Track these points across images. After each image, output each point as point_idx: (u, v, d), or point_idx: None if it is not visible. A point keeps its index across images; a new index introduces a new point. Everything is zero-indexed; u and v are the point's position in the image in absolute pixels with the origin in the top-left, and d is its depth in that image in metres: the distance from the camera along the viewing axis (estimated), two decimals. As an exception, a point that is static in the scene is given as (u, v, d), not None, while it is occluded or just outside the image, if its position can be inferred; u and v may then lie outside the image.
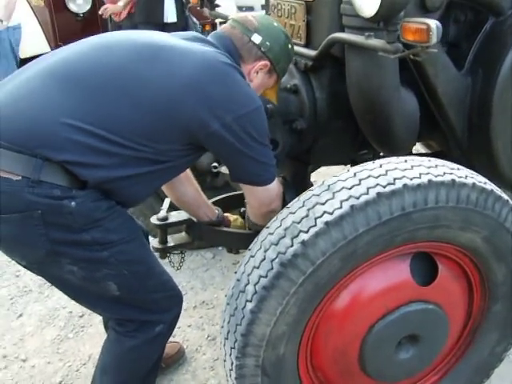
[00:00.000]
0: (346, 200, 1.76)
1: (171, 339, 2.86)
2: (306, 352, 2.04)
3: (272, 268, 1.78)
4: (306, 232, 1.76)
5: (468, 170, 1.96)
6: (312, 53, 2.48)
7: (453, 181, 1.83)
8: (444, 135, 2.69)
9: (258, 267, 1.83)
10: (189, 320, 3.22)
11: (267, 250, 1.82)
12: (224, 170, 2.83)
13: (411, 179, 1.80)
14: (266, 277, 1.79)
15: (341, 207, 1.75)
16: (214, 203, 2.74)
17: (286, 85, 2.58)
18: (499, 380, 2.57)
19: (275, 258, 1.78)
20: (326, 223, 1.74)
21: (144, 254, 2.10)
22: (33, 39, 6.68)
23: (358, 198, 1.76)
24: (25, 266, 2.03)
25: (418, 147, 3.87)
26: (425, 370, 2.29)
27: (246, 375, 1.94)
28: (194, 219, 2.60)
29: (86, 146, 1.80)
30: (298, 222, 1.79)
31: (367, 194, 1.76)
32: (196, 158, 2.18)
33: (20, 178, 1.77)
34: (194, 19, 6.60)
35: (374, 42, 2.04)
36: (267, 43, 2.14)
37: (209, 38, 2.15)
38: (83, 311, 3.24)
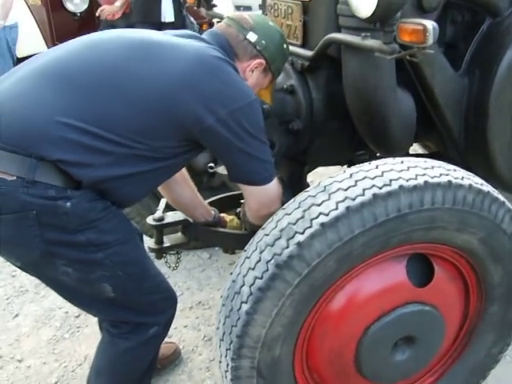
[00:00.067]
0: (342, 201, 1.76)
1: (167, 340, 2.85)
2: (301, 353, 2.03)
3: (267, 269, 1.78)
4: (302, 233, 1.75)
5: (464, 171, 1.96)
6: (308, 53, 2.48)
7: (449, 182, 1.83)
8: (441, 136, 2.68)
9: (253, 268, 1.83)
10: (185, 320, 3.22)
11: (263, 252, 1.82)
12: (220, 170, 2.83)
13: (407, 180, 1.79)
14: (261, 278, 1.78)
15: (336, 208, 1.75)
16: (211, 204, 2.73)
17: (283, 85, 2.58)
18: (496, 381, 2.56)
19: (271, 260, 1.78)
20: (322, 224, 1.74)
21: (139, 255, 2.09)
22: (30, 38, 6.67)
23: (353, 200, 1.75)
24: (20, 267, 2.02)
25: (416, 147, 3.87)
26: (421, 372, 2.29)
27: (241, 377, 1.93)
28: (190, 220, 2.59)
29: (79, 145, 1.79)
30: (294, 224, 1.79)
31: (363, 195, 1.76)
32: (192, 157, 2.17)
33: (15, 178, 1.76)
34: (192, 19, 6.59)
35: (371, 42, 2.04)
36: (263, 42, 2.13)
37: (204, 35, 2.14)
38: (79, 311, 3.22)
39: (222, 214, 2.71)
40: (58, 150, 1.77)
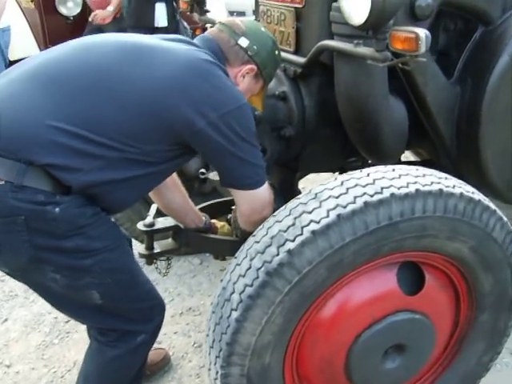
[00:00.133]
0: (333, 209, 1.75)
1: (157, 346, 2.84)
2: (291, 361, 2.03)
3: (258, 277, 1.77)
4: (293, 241, 1.75)
5: (456, 179, 1.96)
6: (301, 60, 2.48)
7: (440, 190, 1.83)
8: (433, 144, 2.68)
9: (243, 276, 1.82)
10: (175, 327, 3.20)
11: (253, 259, 1.81)
12: (212, 176, 2.82)
13: (398, 188, 1.79)
14: (251, 286, 1.78)
15: (327, 216, 1.74)
16: (201, 209, 2.72)
17: (275, 92, 2.57)
18: (486, 390, 2.56)
19: (261, 267, 1.77)
20: (313, 232, 1.73)
21: (128, 262, 2.08)
22: (22, 41, 6.65)
23: (344, 207, 1.75)
24: (8, 273, 2.01)
25: (408, 154, 3.87)
26: (411, 380, 2.28)
27: (231, 384, 1.92)
28: (181, 226, 2.58)
29: (70, 149, 1.78)
30: (285, 231, 1.78)
31: (354, 203, 1.76)
32: (183, 162, 2.17)
33: (3, 182, 1.75)
34: (185, 24, 6.60)
35: (363, 50, 2.03)
36: (254, 47, 2.13)
37: (195, 40, 2.14)
38: (69, 317, 3.21)
39: (213, 220, 2.70)
40: (48, 154, 1.76)
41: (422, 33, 1.81)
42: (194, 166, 3.04)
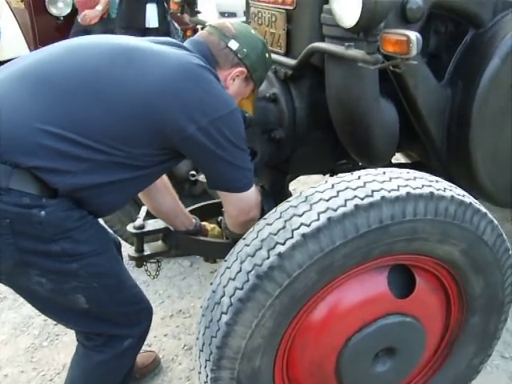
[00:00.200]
0: (324, 212, 1.75)
1: (147, 348, 2.84)
2: (282, 365, 2.02)
3: (248, 280, 1.76)
4: (283, 244, 1.74)
5: (447, 182, 1.96)
6: (292, 62, 2.47)
7: (431, 193, 1.82)
8: (423, 146, 2.69)
9: (233, 279, 1.81)
10: (165, 329, 3.19)
11: (243, 262, 1.80)
12: (202, 178, 2.81)
13: (389, 191, 1.79)
14: (241, 289, 1.77)
15: (318, 219, 1.74)
16: (192, 212, 2.71)
17: (266, 94, 2.57)
18: (476, 392, 2.56)
19: (251, 270, 1.76)
20: (303, 235, 1.72)
21: (115, 266, 2.06)
22: (12, 42, 6.63)
23: (335, 210, 1.74)
24: None
25: (398, 156, 3.87)
26: (402, 383, 2.27)
27: (221, 388, 1.91)
28: (171, 228, 2.57)
29: (56, 151, 1.76)
30: (275, 234, 1.77)
31: (345, 206, 1.75)
32: (171, 166, 2.16)
33: None
34: (176, 25, 6.60)
35: (354, 52, 2.03)
36: (244, 50, 2.12)
37: (185, 43, 2.13)
38: (58, 319, 3.19)
39: (203, 223, 2.69)
40: (34, 157, 1.74)
41: (413, 36, 1.80)
42: (185, 168, 3.03)
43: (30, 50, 6.63)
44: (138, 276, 3.28)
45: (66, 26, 6.71)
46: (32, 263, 1.84)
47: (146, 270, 2.69)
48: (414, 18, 2.25)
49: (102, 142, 1.81)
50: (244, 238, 1.89)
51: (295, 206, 1.82)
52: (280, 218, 1.82)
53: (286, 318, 1.85)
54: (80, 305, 1.97)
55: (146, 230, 2.54)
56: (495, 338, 2.29)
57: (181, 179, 3.15)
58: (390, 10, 1.93)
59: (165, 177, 2.39)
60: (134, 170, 1.92)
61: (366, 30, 1.94)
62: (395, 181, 1.84)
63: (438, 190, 1.85)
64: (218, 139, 1.91)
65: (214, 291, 1.89)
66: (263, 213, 2.23)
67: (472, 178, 2.59)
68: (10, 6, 6.83)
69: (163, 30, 6.38)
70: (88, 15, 6.26)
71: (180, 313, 3.34)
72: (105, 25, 6.31)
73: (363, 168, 2.39)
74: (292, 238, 1.74)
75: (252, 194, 2.10)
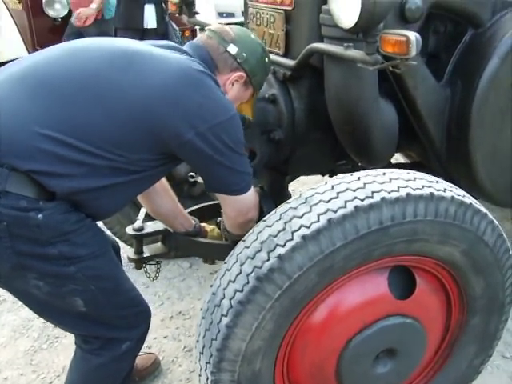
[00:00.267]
0: (324, 213, 1.74)
1: (146, 350, 2.83)
2: (282, 367, 2.02)
3: (248, 282, 1.75)
4: (283, 246, 1.73)
5: (447, 183, 1.95)
6: (291, 62, 2.46)
7: (431, 194, 1.82)
8: (423, 146, 2.68)
9: (233, 281, 1.80)
10: (165, 331, 3.18)
11: (243, 264, 1.80)
12: (201, 179, 2.80)
13: (389, 193, 1.78)
14: (241, 291, 1.76)
15: (318, 221, 1.73)
16: (191, 213, 2.70)
17: (265, 94, 2.56)
18: (477, 392, 2.56)
19: (251, 272, 1.76)
20: (303, 237, 1.72)
21: (113, 269, 2.06)
22: (10, 43, 6.63)
23: (335, 212, 1.74)
24: None
25: (398, 156, 3.87)
26: (402, 384, 2.27)
27: (221, 390, 1.91)
28: (170, 229, 2.56)
29: (54, 155, 1.75)
30: (275, 236, 1.77)
31: (345, 207, 1.74)
32: (169, 169, 2.16)
33: None
34: (174, 25, 6.61)
35: (353, 53, 2.02)
36: (243, 54, 2.12)
37: (185, 47, 2.12)
38: (57, 321, 3.18)
39: (202, 224, 2.68)
40: (32, 161, 1.74)
41: (413, 36, 1.80)
42: (184, 170, 3.03)
43: (28, 51, 6.63)
44: (138, 278, 3.27)
45: (64, 28, 6.70)
46: (29, 266, 1.83)
47: (146, 272, 2.68)
48: (413, 18, 2.24)
49: (101, 147, 1.80)
50: (244, 240, 1.88)
51: (295, 208, 1.82)
52: (280, 219, 1.81)
53: (286, 320, 1.84)
54: (78, 308, 1.96)
55: (145, 231, 2.54)
56: (496, 338, 2.29)
57: (180, 180, 3.14)
58: (389, 10, 1.92)
59: (163, 178, 2.38)
60: (132, 174, 1.91)
61: (365, 30, 1.93)
62: (395, 182, 1.84)
63: (438, 190, 1.85)
64: (217, 145, 1.90)
65: (213, 293, 1.89)
66: (262, 214, 2.23)
67: (472, 178, 2.58)
68: (7, 8, 6.82)
69: (161, 30, 6.39)
70: (82, 13, 6.22)
71: (180, 314, 3.33)
72: (99, 26, 6.29)
73: (363, 168, 2.40)
74: (292, 239, 1.73)
75: (250, 195, 2.10)
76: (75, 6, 6.34)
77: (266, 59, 2.24)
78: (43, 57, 1.96)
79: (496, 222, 2.00)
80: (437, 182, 1.92)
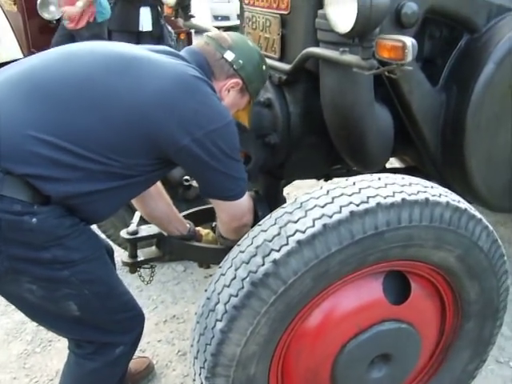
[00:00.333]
0: (319, 218, 1.74)
1: (140, 354, 2.82)
2: (277, 372, 2.01)
3: (243, 287, 1.75)
4: (278, 251, 1.73)
5: (442, 188, 1.96)
6: (286, 67, 2.46)
7: (426, 199, 1.82)
8: (418, 151, 2.68)
9: (228, 286, 1.80)
10: (159, 335, 3.17)
11: (238, 269, 1.79)
12: (196, 183, 2.80)
13: (385, 198, 1.78)
14: (236, 296, 1.76)
15: (313, 226, 1.73)
16: (186, 217, 2.69)
17: (260, 98, 2.55)
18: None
19: (246, 277, 1.75)
20: (298, 242, 1.71)
21: (106, 273, 2.05)
22: (5, 45, 6.62)
23: (330, 217, 1.73)
24: None
25: (392, 160, 3.86)
26: (397, 389, 2.27)
27: (215, 395, 1.90)
28: (165, 233, 2.56)
29: (49, 160, 1.75)
30: (270, 241, 1.76)
31: (340, 212, 1.74)
32: (164, 173, 2.15)
33: None
34: (170, 28, 6.60)
35: (349, 57, 2.02)
36: (240, 61, 2.11)
37: (182, 53, 2.12)
38: (51, 325, 3.16)
39: (197, 228, 2.68)
40: (27, 165, 1.73)
41: (409, 41, 1.80)
42: (178, 173, 3.02)
43: (23, 53, 6.62)
44: (132, 281, 3.26)
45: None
46: (23, 270, 1.83)
47: (140, 276, 2.67)
48: (408, 23, 2.24)
49: (96, 152, 1.80)
50: (239, 245, 1.88)
51: (290, 213, 1.81)
52: (275, 224, 1.81)
53: (281, 325, 1.84)
54: (71, 312, 1.95)
55: (139, 235, 2.53)
56: (490, 343, 2.29)
57: (174, 184, 3.14)
58: (385, 15, 1.92)
59: (158, 182, 2.37)
60: (127, 179, 1.90)
61: (361, 35, 1.93)
62: (390, 187, 1.83)
63: (433, 195, 1.85)
64: (213, 151, 1.90)
65: (208, 298, 1.88)
66: (257, 218, 2.22)
67: (467, 183, 2.59)
68: (2, 10, 6.81)
69: (157, 33, 6.38)
70: (67, 12, 6.18)
71: (174, 318, 3.32)
72: (92, 29, 6.26)
73: (357, 173, 2.39)
74: (287, 244, 1.73)
75: (244, 200, 2.10)
76: (65, 1, 6.30)
77: (264, 67, 2.23)
78: (40, 60, 1.95)
79: (491, 228, 2.00)
80: (432, 187, 1.92)
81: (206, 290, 1.93)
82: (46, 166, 1.75)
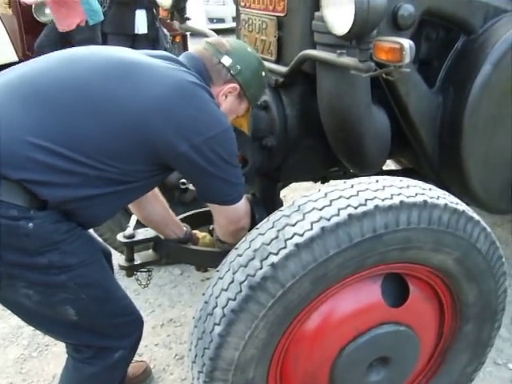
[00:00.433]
0: (317, 221, 1.73)
1: (137, 358, 2.80)
2: (275, 376, 2.00)
3: (241, 291, 1.74)
4: (276, 254, 1.72)
5: (440, 190, 1.95)
6: (283, 69, 2.45)
7: (424, 202, 1.81)
8: (415, 153, 2.68)
9: (226, 290, 1.79)
10: (156, 338, 3.16)
11: (236, 272, 1.78)
12: (192, 186, 2.79)
13: (383, 200, 1.77)
14: (234, 300, 1.75)
15: (311, 229, 1.72)
16: (183, 220, 2.69)
17: (256, 101, 2.54)
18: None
19: (244, 281, 1.74)
20: (297, 245, 1.71)
21: (104, 277, 2.05)
22: (0, 48, 6.60)
23: (328, 220, 1.73)
24: None
25: (389, 162, 3.86)
26: (395, 392, 2.26)
27: (214, 400, 1.89)
28: (162, 236, 2.55)
29: (46, 165, 1.74)
30: (268, 244, 1.76)
31: (338, 215, 1.73)
32: (162, 179, 2.15)
33: None
34: (165, 31, 6.59)
35: (346, 60, 2.02)
36: (237, 66, 2.10)
37: (181, 58, 2.12)
38: (47, 329, 3.15)
39: (194, 231, 2.67)
40: (24, 170, 1.72)
41: (407, 43, 1.79)
42: (175, 176, 3.01)
43: (18, 57, 6.61)
44: (129, 285, 3.25)
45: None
46: (18, 276, 1.82)
47: (137, 279, 2.66)
48: (405, 25, 2.24)
49: (94, 158, 1.79)
50: (236, 248, 1.87)
51: (288, 216, 1.81)
52: (273, 227, 1.80)
53: (279, 329, 1.83)
54: (69, 317, 1.94)
55: (136, 239, 2.52)
56: (488, 345, 2.28)
57: (171, 187, 3.13)
58: (382, 17, 1.92)
59: (154, 186, 2.37)
60: (125, 184, 1.90)
61: (358, 37, 1.92)
62: (388, 189, 1.83)
63: (431, 198, 1.84)
64: (211, 157, 1.91)
65: (206, 302, 1.87)
66: (254, 221, 2.22)
67: (464, 185, 2.59)
68: (-3, 12, 6.81)
69: (152, 36, 6.38)
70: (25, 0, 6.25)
71: (171, 322, 3.31)
72: (83, 32, 6.25)
73: (355, 175, 2.38)
74: (285, 247, 1.72)
75: (241, 204, 2.10)
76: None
77: (263, 73, 2.22)
78: (39, 65, 1.95)
79: (489, 229, 2.00)
80: (430, 189, 1.91)
81: (203, 294, 1.92)
82: (43, 172, 1.74)
